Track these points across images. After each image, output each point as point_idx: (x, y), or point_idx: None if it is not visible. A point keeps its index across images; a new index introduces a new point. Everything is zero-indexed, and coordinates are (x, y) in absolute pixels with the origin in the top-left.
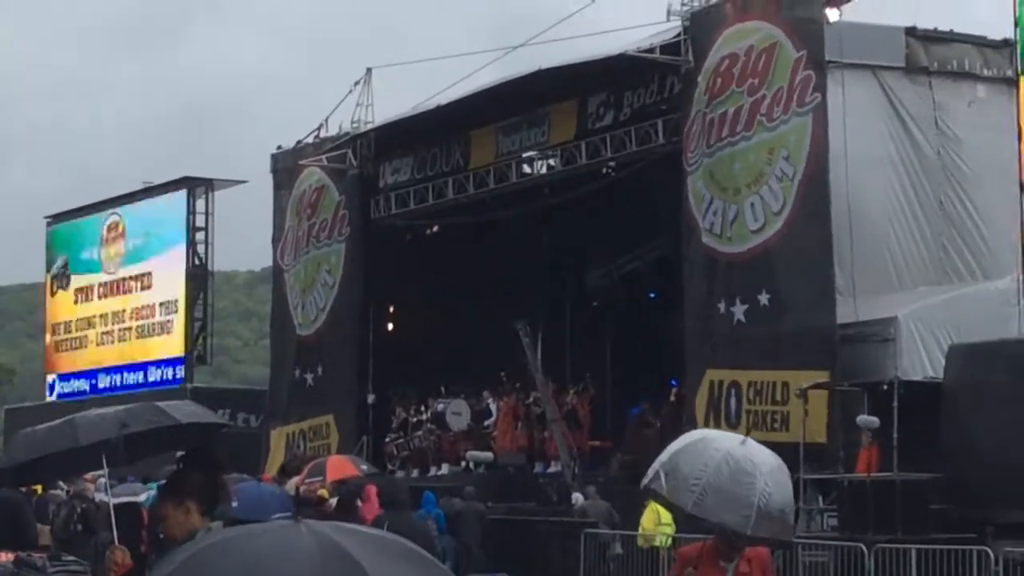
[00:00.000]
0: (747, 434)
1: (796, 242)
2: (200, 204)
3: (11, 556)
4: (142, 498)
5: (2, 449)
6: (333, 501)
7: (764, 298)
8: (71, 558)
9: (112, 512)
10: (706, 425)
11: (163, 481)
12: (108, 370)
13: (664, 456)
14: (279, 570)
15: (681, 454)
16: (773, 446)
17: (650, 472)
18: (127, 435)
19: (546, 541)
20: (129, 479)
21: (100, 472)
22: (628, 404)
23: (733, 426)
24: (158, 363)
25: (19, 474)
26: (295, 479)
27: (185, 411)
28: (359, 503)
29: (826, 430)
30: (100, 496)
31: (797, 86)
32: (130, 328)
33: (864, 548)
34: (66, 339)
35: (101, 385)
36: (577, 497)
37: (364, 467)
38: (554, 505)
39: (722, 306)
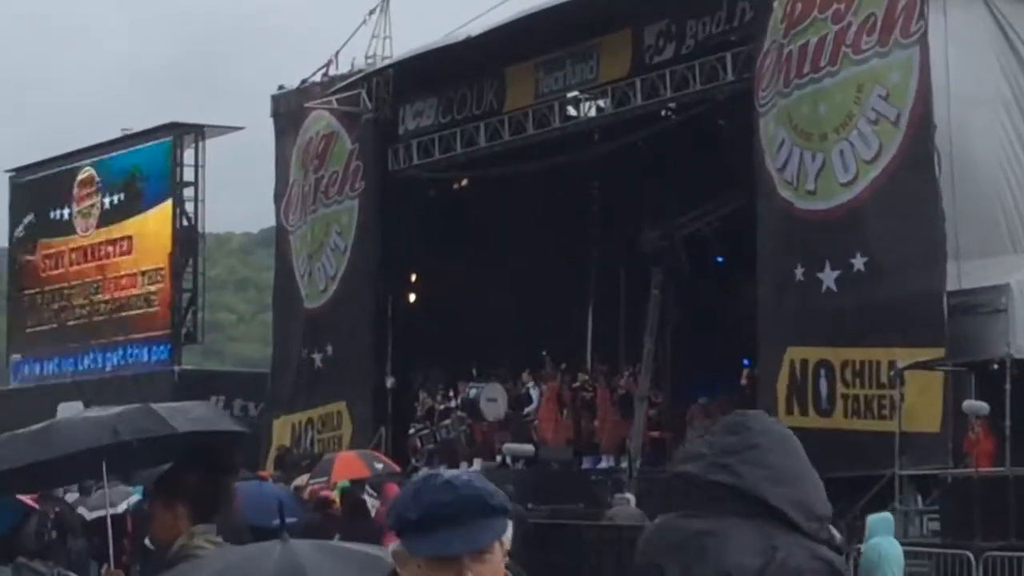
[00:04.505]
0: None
1: (896, 195)
2: (188, 155)
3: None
4: (121, 508)
5: None
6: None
7: (859, 262)
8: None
9: (109, 522)
10: (789, 414)
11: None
12: (81, 351)
13: None
14: None
15: None
16: (878, 436)
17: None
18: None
19: (597, 549)
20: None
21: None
22: (693, 388)
23: (825, 412)
24: (140, 342)
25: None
26: (303, 477)
27: (189, 416)
28: (376, 505)
29: (940, 417)
30: (81, 509)
31: (900, 13)
32: (107, 301)
33: (971, 556)
34: (32, 313)
35: (74, 368)
36: (623, 499)
37: (379, 466)
38: (606, 507)
39: (800, 272)
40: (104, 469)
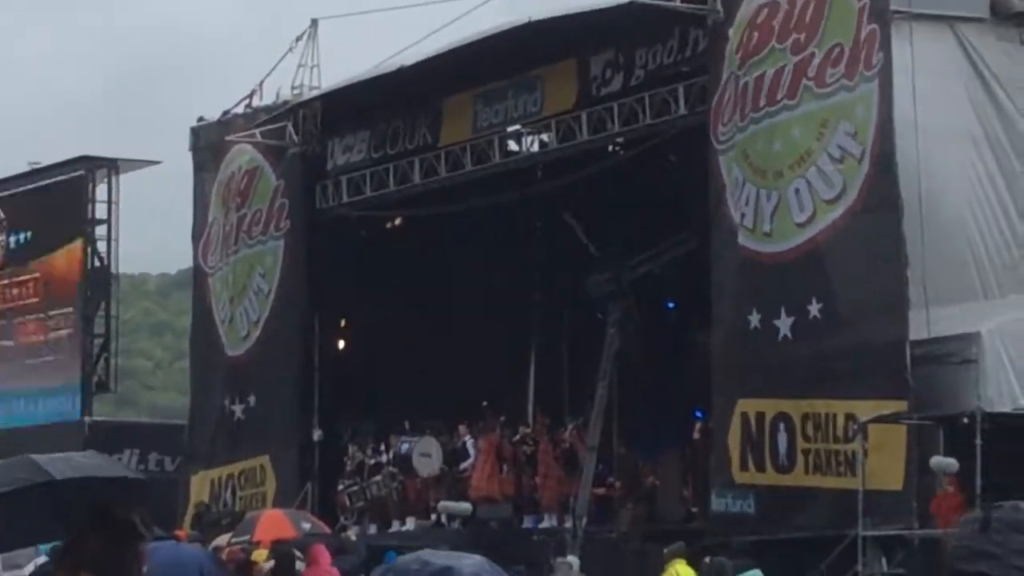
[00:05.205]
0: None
1: (857, 238)
2: (101, 190)
3: None
4: (27, 571)
5: None
6: (268, 566)
7: (815, 308)
8: None
9: None
10: (744, 470)
11: (58, 545)
12: None
13: None
14: None
15: None
16: (837, 495)
17: None
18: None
19: None
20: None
21: None
22: (643, 441)
23: (783, 469)
24: (49, 391)
25: None
26: (224, 537)
27: (71, 463)
28: (302, 568)
29: (903, 474)
30: None
31: (864, 44)
32: (12, 347)
33: None
34: None
35: None
36: (564, 563)
37: (306, 525)
38: (547, 570)
39: (755, 319)
40: None
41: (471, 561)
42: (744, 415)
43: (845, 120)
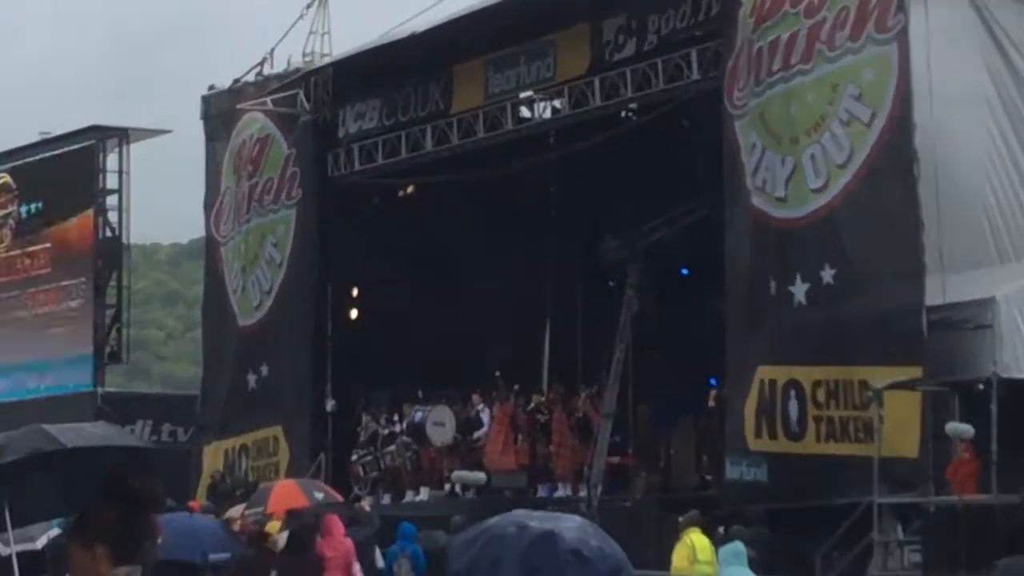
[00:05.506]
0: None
1: (871, 203)
2: (112, 160)
3: None
4: (40, 544)
5: None
6: (282, 537)
7: (828, 274)
8: None
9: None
10: (758, 438)
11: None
12: None
13: None
14: None
15: None
16: (854, 461)
17: None
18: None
19: None
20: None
21: None
22: (656, 410)
23: (795, 436)
24: (61, 362)
25: None
26: (237, 508)
27: (81, 433)
28: (317, 538)
29: (919, 441)
30: None
31: (875, 7)
32: (24, 318)
33: None
34: None
35: None
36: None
37: (319, 495)
38: None
39: (773, 285)
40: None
41: (572, 524)
42: (762, 383)
43: (851, 84)
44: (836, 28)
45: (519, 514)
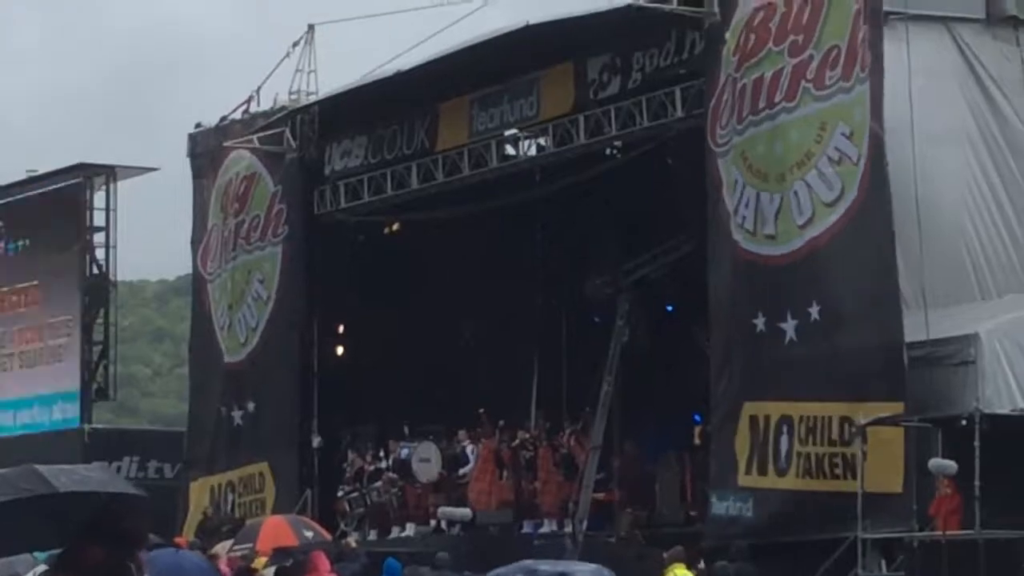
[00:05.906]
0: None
1: (855, 240)
2: (99, 198)
3: None
4: None
5: None
6: (268, 573)
7: (815, 311)
8: None
9: None
10: (748, 474)
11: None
12: None
13: None
14: None
15: None
16: (836, 498)
17: None
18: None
19: None
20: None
21: None
22: (642, 444)
23: (782, 472)
24: (47, 399)
25: None
26: (223, 544)
27: (74, 477)
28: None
29: (903, 477)
30: None
31: (861, 46)
32: (11, 355)
33: None
34: None
35: None
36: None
37: (308, 533)
38: None
39: (761, 321)
40: None
41: (586, 570)
42: (753, 418)
43: (843, 122)
44: (825, 67)
45: (527, 563)
